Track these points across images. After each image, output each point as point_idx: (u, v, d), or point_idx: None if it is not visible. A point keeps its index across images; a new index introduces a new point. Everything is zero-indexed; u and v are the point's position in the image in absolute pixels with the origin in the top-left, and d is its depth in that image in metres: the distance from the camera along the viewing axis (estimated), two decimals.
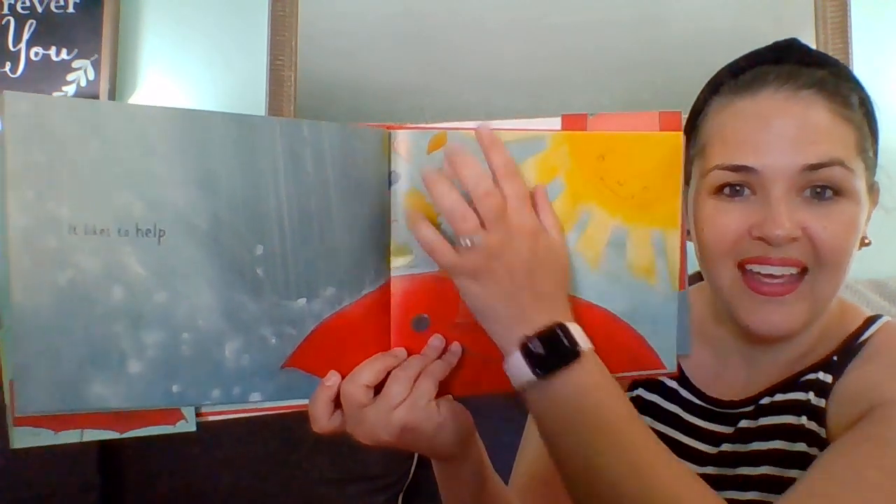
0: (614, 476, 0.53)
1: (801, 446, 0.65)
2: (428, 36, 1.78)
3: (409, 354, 0.60)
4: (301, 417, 0.59)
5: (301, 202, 0.56)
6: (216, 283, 0.53)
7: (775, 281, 0.64)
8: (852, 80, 0.68)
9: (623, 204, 0.63)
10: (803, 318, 0.65)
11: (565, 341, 0.55)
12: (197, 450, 1.47)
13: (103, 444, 1.45)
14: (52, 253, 0.49)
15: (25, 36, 1.83)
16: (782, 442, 0.66)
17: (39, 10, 1.83)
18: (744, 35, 1.61)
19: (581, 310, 0.62)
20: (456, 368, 0.61)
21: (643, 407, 0.77)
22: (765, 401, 0.69)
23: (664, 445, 0.56)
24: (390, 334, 0.60)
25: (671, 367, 0.67)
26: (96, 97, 1.79)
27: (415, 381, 0.58)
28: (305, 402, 0.59)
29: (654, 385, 0.77)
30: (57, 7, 1.83)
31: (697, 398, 0.74)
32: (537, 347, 0.54)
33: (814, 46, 1.23)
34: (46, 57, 1.83)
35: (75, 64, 1.83)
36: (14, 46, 1.83)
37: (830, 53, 1.45)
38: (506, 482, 0.74)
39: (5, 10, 1.83)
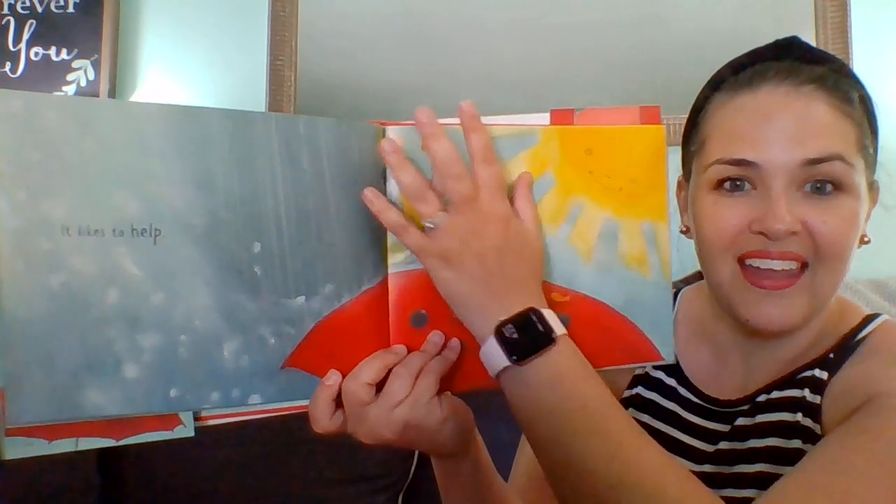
0: (593, 461, 0.53)
1: (796, 443, 0.65)
2: (428, 36, 1.77)
3: (409, 351, 0.60)
4: (301, 418, 0.59)
5: (298, 199, 0.55)
6: (214, 282, 0.53)
7: (775, 275, 0.64)
8: (852, 77, 0.68)
9: (612, 196, 0.64)
10: (803, 313, 0.65)
11: (540, 326, 0.54)
12: (197, 450, 1.46)
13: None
14: (44, 255, 0.47)
15: (25, 36, 1.82)
16: (778, 439, 0.66)
17: (39, 10, 1.83)
18: (744, 35, 1.60)
19: (576, 302, 0.62)
20: (455, 364, 0.61)
21: (642, 405, 0.76)
22: (761, 398, 0.69)
23: (641, 429, 0.55)
24: (389, 331, 0.60)
25: (669, 358, 0.67)
26: (96, 97, 1.79)
27: (416, 377, 0.58)
28: (305, 402, 0.59)
29: (653, 383, 0.77)
30: (57, 7, 1.83)
31: (696, 396, 0.74)
32: (512, 333, 0.54)
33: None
34: (46, 57, 1.82)
35: (75, 64, 1.82)
36: (14, 46, 1.82)
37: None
38: (506, 481, 0.74)
39: (5, 10, 1.82)
